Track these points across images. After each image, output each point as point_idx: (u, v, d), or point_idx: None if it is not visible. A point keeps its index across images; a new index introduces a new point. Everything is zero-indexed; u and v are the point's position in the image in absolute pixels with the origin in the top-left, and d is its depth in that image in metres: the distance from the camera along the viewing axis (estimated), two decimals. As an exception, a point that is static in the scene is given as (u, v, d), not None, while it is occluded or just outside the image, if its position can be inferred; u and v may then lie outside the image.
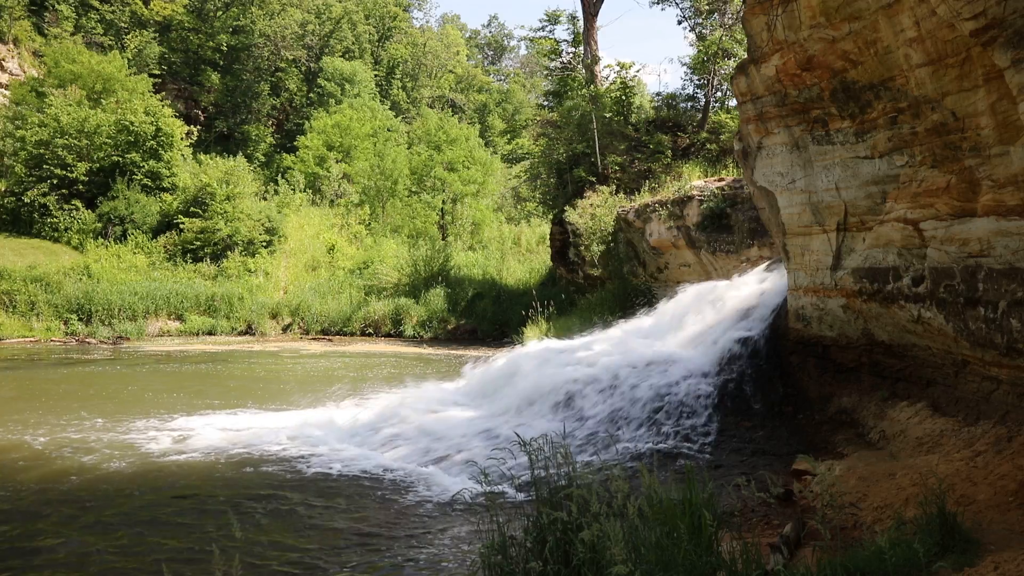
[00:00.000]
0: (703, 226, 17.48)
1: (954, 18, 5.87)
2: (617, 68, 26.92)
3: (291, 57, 48.70)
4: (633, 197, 22.05)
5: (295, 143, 43.87)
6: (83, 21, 41.98)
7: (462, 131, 46.25)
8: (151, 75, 40.31)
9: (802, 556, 5.19)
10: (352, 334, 28.30)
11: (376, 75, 53.53)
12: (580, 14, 28.63)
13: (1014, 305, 6.43)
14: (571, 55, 28.91)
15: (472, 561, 4.87)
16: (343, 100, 46.84)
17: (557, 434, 5.37)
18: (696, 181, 19.47)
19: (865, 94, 7.64)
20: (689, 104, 27.81)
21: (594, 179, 24.58)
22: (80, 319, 25.99)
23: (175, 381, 16.65)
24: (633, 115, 26.25)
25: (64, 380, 16.46)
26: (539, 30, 30.10)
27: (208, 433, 10.99)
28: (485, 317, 27.95)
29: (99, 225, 31.41)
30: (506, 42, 77.37)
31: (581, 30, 28.53)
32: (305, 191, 40.20)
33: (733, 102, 23.16)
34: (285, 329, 28.79)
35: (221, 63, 45.48)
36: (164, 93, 40.44)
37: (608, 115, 25.04)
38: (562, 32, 40.39)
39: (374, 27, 55.45)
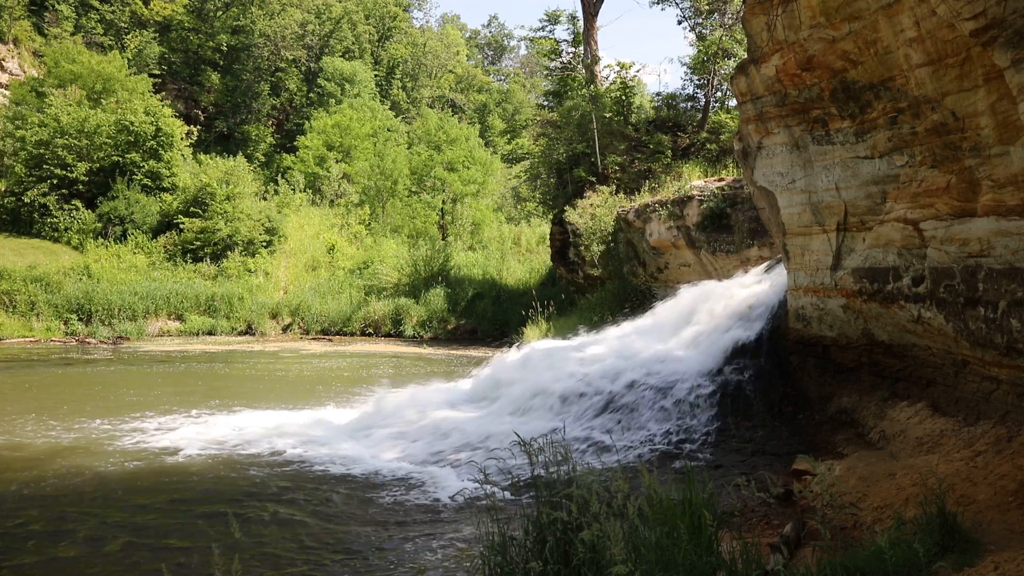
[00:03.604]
0: (703, 226, 17.48)
1: (954, 18, 5.87)
2: (617, 68, 26.94)
3: (291, 57, 48.69)
4: (633, 197, 22.04)
5: (295, 143, 43.86)
6: (83, 21, 41.97)
7: (462, 131, 46.25)
8: (151, 75, 40.31)
9: (802, 556, 5.19)
10: (352, 334, 28.30)
11: (376, 75, 53.51)
12: (580, 14, 28.64)
13: (1014, 305, 6.43)
14: (571, 55, 28.91)
15: (472, 561, 4.87)
16: (343, 100, 46.84)
17: (557, 434, 5.37)
18: (696, 181, 19.46)
19: (865, 94, 7.64)
20: (689, 104, 27.82)
21: (594, 179, 24.58)
22: (80, 319, 25.98)
23: (175, 381, 16.65)
24: (633, 115, 26.25)
25: (64, 380, 16.46)
26: (539, 30, 30.13)
27: (208, 433, 10.99)
28: (485, 317, 27.95)
29: (99, 225, 31.41)
30: (506, 42, 77.38)
31: (581, 30, 28.52)
32: (305, 191, 40.19)
33: (733, 102, 23.17)
34: (285, 329, 28.79)
35: (221, 63, 45.47)
36: (164, 93, 40.44)
37: (608, 115, 25.03)
38: (562, 32, 40.46)
39: (374, 27, 55.44)
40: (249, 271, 31.36)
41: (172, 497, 8.02)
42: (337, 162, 42.06)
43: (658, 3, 28.35)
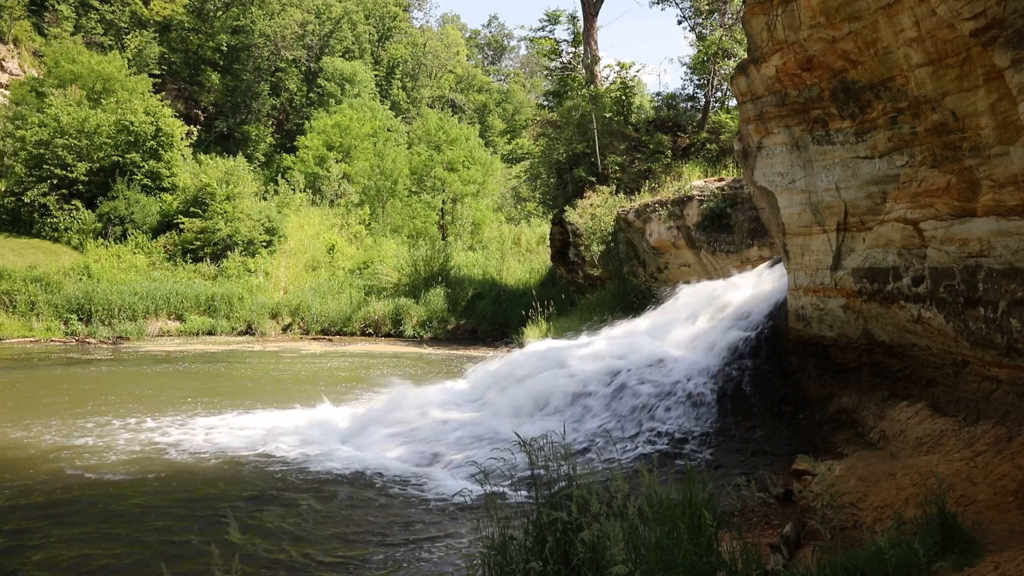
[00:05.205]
0: (703, 226, 17.48)
1: (954, 18, 5.87)
2: (617, 68, 26.95)
3: (291, 57, 48.67)
4: (633, 197, 22.05)
5: (295, 143, 43.84)
6: (83, 21, 41.93)
7: (462, 131, 46.23)
8: (151, 75, 40.26)
9: (802, 556, 5.19)
10: (352, 334, 28.30)
11: (376, 75, 53.49)
12: (580, 14, 28.64)
13: (1014, 305, 6.43)
14: (571, 55, 28.91)
15: (472, 562, 4.86)
16: (343, 100, 46.82)
17: (557, 434, 5.37)
18: (696, 181, 19.46)
19: (865, 94, 7.64)
20: (689, 104, 27.83)
21: (594, 179, 24.58)
22: (80, 319, 25.97)
23: (175, 381, 16.65)
24: (633, 115, 26.26)
25: (64, 380, 16.45)
26: (539, 30, 30.14)
27: (207, 433, 10.99)
28: (485, 317, 27.94)
29: (99, 225, 31.40)
30: (506, 42, 77.39)
31: (581, 30, 28.53)
32: (305, 191, 40.18)
33: (733, 102, 23.17)
34: (285, 329, 28.78)
35: (221, 63, 45.44)
36: (164, 93, 40.39)
37: (608, 115, 25.04)
38: (562, 32, 40.39)
39: (374, 27, 55.42)
40: (249, 271, 31.36)
41: (171, 496, 8.02)
42: (337, 162, 42.04)
43: (658, 3, 28.37)
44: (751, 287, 12.47)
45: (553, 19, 29.35)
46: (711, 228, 17.33)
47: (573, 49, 28.86)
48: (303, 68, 49.70)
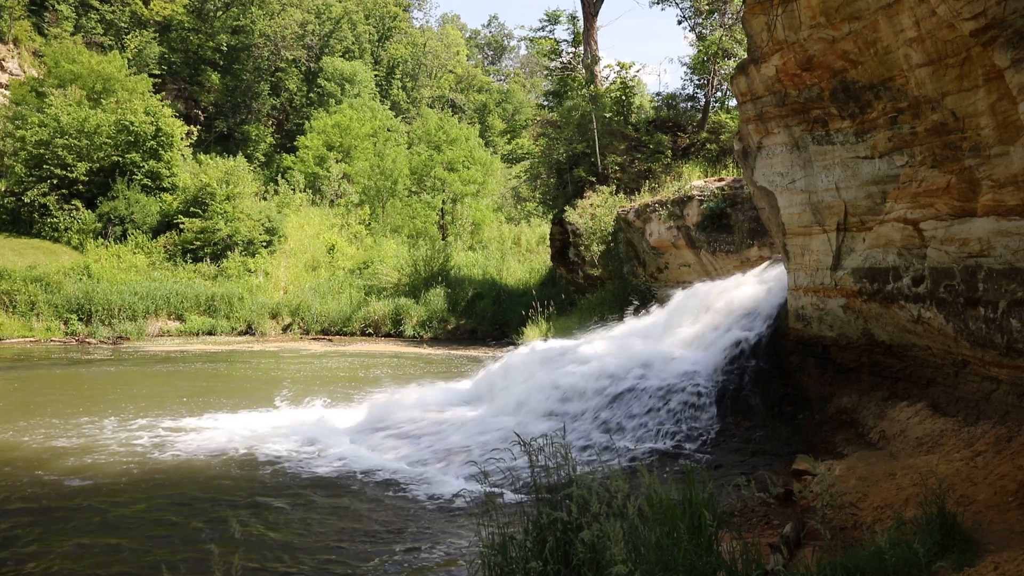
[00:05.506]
0: (703, 226, 17.48)
1: (954, 18, 5.87)
2: (617, 68, 26.95)
3: (291, 57, 48.66)
4: (633, 197, 22.05)
5: (295, 143, 43.84)
6: (83, 21, 41.92)
7: (462, 131, 46.23)
8: (151, 75, 40.24)
9: (802, 556, 5.19)
10: (352, 334, 28.30)
11: (376, 75, 53.49)
12: (580, 14, 28.65)
13: (1014, 305, 6.43)
14: (571, 55, 28.91)
15: (472, 561, 4.86)
16: (343, 100, 46.81)
17: (557, 434, 5.37)
18: (696, 181, 19.47)
19: (865, 94, 7.64)
20: (689, 104, 27.83)
21: (594, 179, 24.58)
22: (80, 319, 25.97)
23: (175, 381, 16.64)
24: (633, 115, 26.26)
25: (64, 380, 16.45)
26: (539, 30, 30.13)
27: (207, 433, 10.99)
28: (485, 317, 27.94)
29: (99, 225, 31.40)
30: (506, 42, 77.39)
31: (581, 30, 28.53)
32: (305, 191, 40.18)
33: (733, 102, 23.17)
34: (285, 329, 28.78)
35: (221, 63, 45.43)
36: (164, 93, 40.38)
37: (608, 115, 25.04)
38: (562, 32, 40.42)
39: (374, 27, 55.42)
40: (249, 271, 31.36)
41: (171, 497, 8.02)
42: (337, 162, 42.04)
43: (658, 3, 28.38)
44: (751, 287, 12.46)
45: (553, 19, 29.35)
46: (711, 228, 17.33)
47: (573, 49, 28.86)
48: (303, 68, 49.69)
